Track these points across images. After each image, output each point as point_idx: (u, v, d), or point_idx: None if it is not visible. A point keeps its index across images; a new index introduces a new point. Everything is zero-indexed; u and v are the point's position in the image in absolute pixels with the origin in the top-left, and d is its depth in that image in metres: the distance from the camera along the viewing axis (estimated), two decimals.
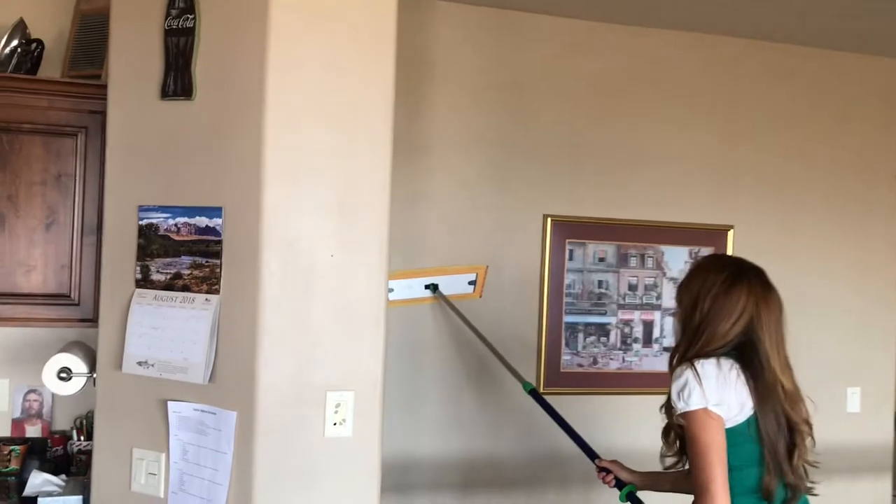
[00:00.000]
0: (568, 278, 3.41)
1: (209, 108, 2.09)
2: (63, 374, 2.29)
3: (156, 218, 2.14)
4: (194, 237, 2.09)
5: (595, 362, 3.45)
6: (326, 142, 2.07)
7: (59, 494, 2.36)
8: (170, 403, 2.09)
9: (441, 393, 3.27)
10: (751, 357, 1.95)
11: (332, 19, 2.07)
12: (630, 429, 3.47)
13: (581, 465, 3.32)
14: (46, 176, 2.57)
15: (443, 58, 3.28)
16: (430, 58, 3.27)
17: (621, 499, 2.36)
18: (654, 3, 3.23)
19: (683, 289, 2.07)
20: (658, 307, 3.51)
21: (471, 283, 3.31)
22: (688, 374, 1.92)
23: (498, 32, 3.35)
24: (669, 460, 2.13)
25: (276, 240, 2.02)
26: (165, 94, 2.14)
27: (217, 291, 2.06)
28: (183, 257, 2.11)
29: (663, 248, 3.52)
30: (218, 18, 2.08)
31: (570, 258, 3.41)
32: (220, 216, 2.06)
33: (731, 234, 3.58)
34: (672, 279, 3.52)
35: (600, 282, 3.46)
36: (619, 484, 2.38)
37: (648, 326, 3.50)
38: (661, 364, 3.50)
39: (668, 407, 2.02)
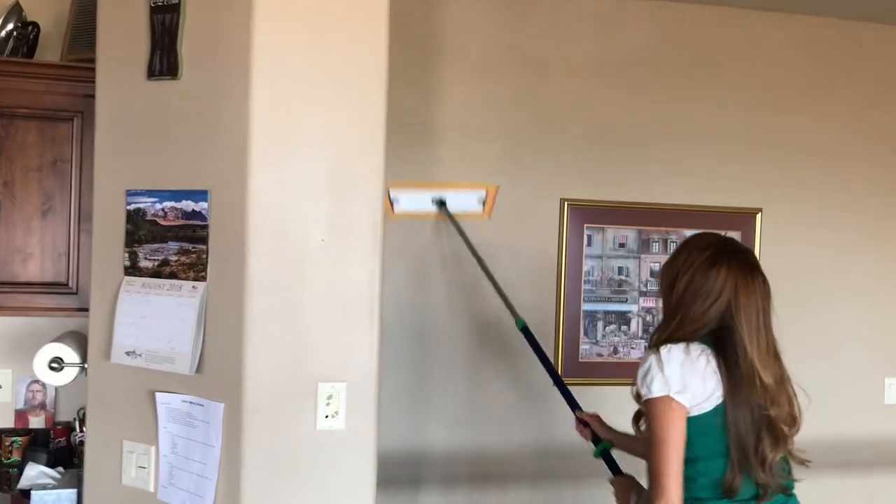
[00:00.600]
0: (587, 265, 3.28)
1: (195, 88, 2.00)
2: (54, 365, 2.24)
3: (143, 203, 2.07)
4: (181, 222, 2.01)
5: (615, 352, 3.32)
6: (317, 122, 1.97)
7: (54, 487, 2.31)
8: (158, 395, 2.02)
9: (451, 384, 3.17)
10: (724, 344, 1.85)
11: None
12: None
13: (597, 461, 3.23)
14: (42, 162, 2.51)
15: (456, 38, 3.16)
16: (442, 38, 3.15)
17: (595, 454, 2.34)
18: None
19: (666, 267, 2.00)
20: None
21: (480, 201, 3.16)
22: (651, 359, 1.85)
23: (514, 10, 3.22)
24: (640, 448, 2.09)
25: (263, 224, 1.93)
26: (152, 73, 2.05)
27: (204, 279, 1.98)
28: (170, 243, 2.03)
29: (687, 232, 3.36)
30: None
31: (589, 244, 3.28)
32: (206, 200, 1.97)
33: (759, 217, 3.41)
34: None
35: (620, 268, 3.32)
36: (596, 439, 2.36)
37: None
38: None
39: (637, 393, 1.93)
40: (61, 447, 2.70)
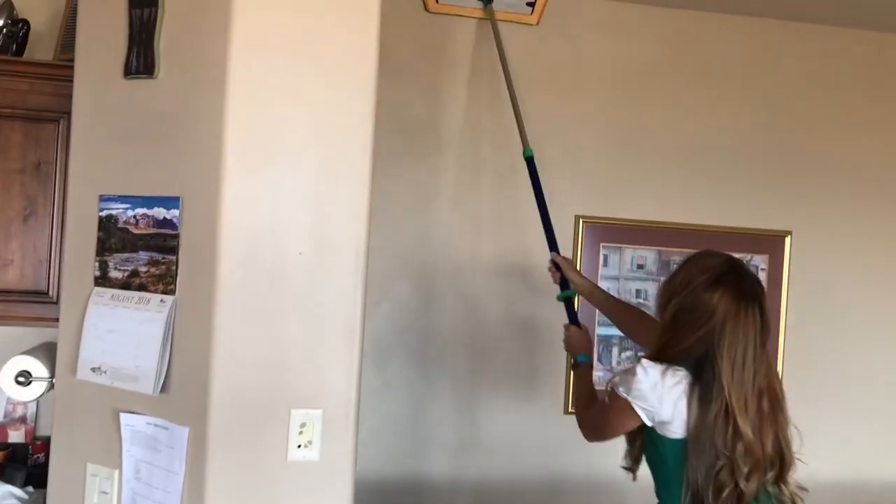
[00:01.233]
0: (602, 286, 3.07)
1: (171, 88, 1.87)
2: (21, 378, 2.11)
3: (116, 209, 1.94)
4: (152, 231, 1.88)
5: None
6: (297, 126, 1.82)
7: None
8: (122, 416, 1.88)
9: (454, 409, 2.99)
10: (703, 375, 1.75)
11: None
12: None
13: (614, 495, 3.04)
14: (25, 164, 2.40)
15: (467, 43, 3.00)
16: (452, 43, 3.00)
17: (558, 297, 2.40)
18: None
19: (664, 284, 1.91)
20: None
21: (529, 3, 2.90)
22: (636, 368, 1.80)
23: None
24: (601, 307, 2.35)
25: (236, 235, 1.79)
26: (129, 72, 1.93)
27: (173, 292, 1.84)
28: (140, 253, 1.89)
29: None
30: None
31: (605, 264, 3.09)
32: (177, 207, 1.84)
33: (788, 240, 3.19)
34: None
35: (639, 291, 3.12)
36: (564, 283, 2.41)
37: None
38: None
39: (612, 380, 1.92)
40: (39, 463, 2.57)
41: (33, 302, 2.38)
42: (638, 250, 3.12)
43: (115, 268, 1.93)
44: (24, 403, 2.65)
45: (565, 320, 2.46)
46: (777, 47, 3.21)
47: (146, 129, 1.90)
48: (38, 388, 2.13)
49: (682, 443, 1.77)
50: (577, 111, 3.08)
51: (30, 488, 2.32)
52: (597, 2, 3.07)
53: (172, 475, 1.80)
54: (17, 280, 2.38)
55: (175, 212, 1.84)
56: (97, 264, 1.96)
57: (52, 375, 2.14)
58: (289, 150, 1.82)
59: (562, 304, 2.49)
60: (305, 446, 1.81)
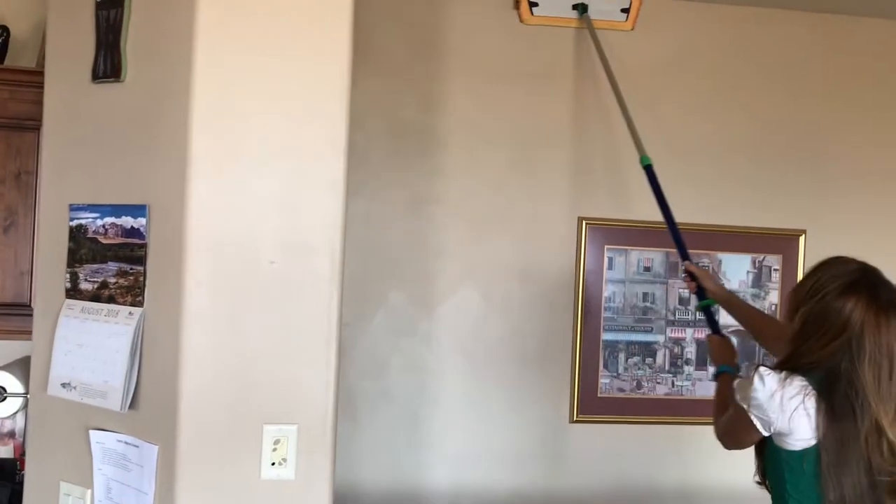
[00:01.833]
0: (607, 290, 2.98)
1: (138, 91, 1.80)
2: None
3: (85, 218, 1.87)
4: (120, 240, 1.80)
5: (639, 387, 3.00)
6: (268, 128, 1.74)
7: None
8: (92, 433, 1.81)
9: (455, 419, 2.89)
10: (836, 390, 1.65)
11: None
12: (680, 463, 3.00)
13: None
14: (5, 173, 2.36)
15: (461, 41, 2.91)
16: (446, 41, 2.91)
17: (696, 308, 2.39)
18: None
19: (792, 291, 1.82)
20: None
21: (623, 10, 2.90)
22: (753, 377, 1.71)
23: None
24: (738, 315, 2.27)
25: (204, 243, 1.70)
26: (96, 75, 1.86)
27: (141, 304, 1.76)
28: (110, 263, 1.82)
29: (721, 255, 3.04)
30: None
31: (610, 267, 2.98)
32: (144, 216, 1.76)
33: (802, 239, 3.06)
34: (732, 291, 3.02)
35: (646, 294, 3.00)
36: (701, 294, 2.33)
37: (703, 346, 3.02)
38: None
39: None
40: None
41: (14, 314, 2.33)
42: (644, 252, 3.00)
43: (86, 279, 1.86)
44: (13, 419, 2.59)
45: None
46: (790, 41, 3.07)
47: (114, 135, 1.83)
48: (13, 405, 2.07)
49: (802, 455, 1.69)
50: (580, 108, 2.97)
51: None
52: None
53: (142, 495, 1.73)
54: None
55: (142, 220, 1.76)
56: (68, 276, 1.89)
57: (27, 391, 2.08)
58: (259, 155, 1.73)
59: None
60: (280, 464, 1.72)
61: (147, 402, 1.75)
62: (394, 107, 2.87)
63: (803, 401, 1.66)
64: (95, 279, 1.84)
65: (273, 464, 1.72)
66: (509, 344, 2.93)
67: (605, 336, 2.97)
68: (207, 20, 1.70)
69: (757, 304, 3.04)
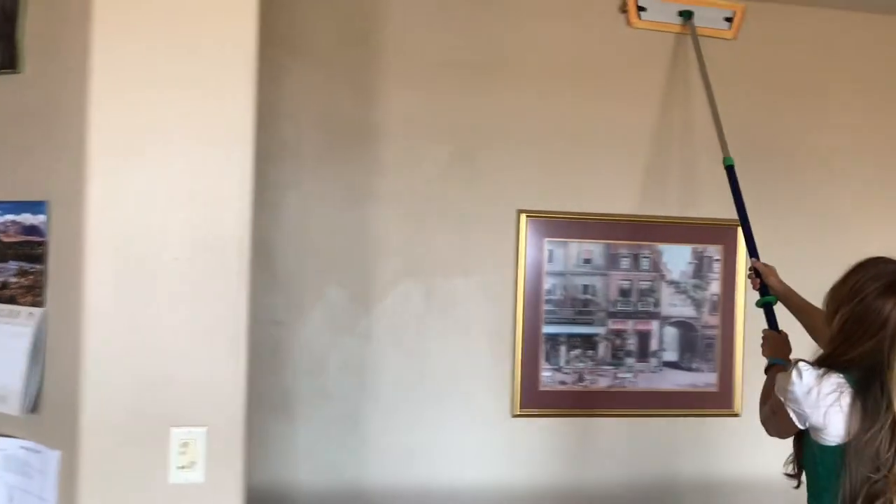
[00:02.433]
0: (548, 283, 2.95)
1: (36, 82, 1.74)
2: None
3: None
4: (21, 238, 1.74)
5: (580, 379, 2.97)
6: (171, 120, 1.68)
7: None
8: None
9: (397, 414, 2.85)
10: (870, 386, 1.69)
11: None
12: (623, 455, 2.99)
13: (563, 501, 2.90)
14: None
15: (398, 32, 2.86)
16: (382, 32, 2.85)
17: (757, 304, 2.37)
18: None
19: (832, 291, 1.85)
20: (656, 315, 3.01)
21: (727, 19, 3.00)
22: (792, 371, 1.76)
23: (466, 2, 2.92)
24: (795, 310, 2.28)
25: (105, 240, 1.64)
26: None
27: (42, 304, 1.70)
28: (10, 262, 1.75)
29: (661, 246, 3.02)
30: None
31: (550, 259, 2.95)
32: (44, 212, 1.69)
33: (741, 229, 3.04)
34: (672, 282, 3.02)
35: (586, 286, 2.98)
36: (764, 290, 2.36)
37: (644, 338, 3.00)
38: (659, 381, 3.01)
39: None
40: None
41: None
42: (584, 244, 2.97)
43: None
44: None
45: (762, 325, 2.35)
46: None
47: (12, 129, 1.77)
48: None
49: (836, 450, 1.72)
50: (520, 100, 2.93)
51: None
52: None
53: (44, 503, 1.66)
54: None
55: (42, 217, 1.70)
56: None
57: None
58: (161, 147, 1.67)
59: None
60: (188, 467, 1.67)
61: (48, 406, 1.68)
62: (329, 99, 2.81)
63: (839, 398, 1.69)
64: None
65: (181, 467, 1.66)
66: (451, 339, 2.89)
67: (547, 329, 2.95)
68: (104, 8, 1.64)
69: (698, 295, 3.04)
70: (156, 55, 1.66)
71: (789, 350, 2.18)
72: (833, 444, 1.72)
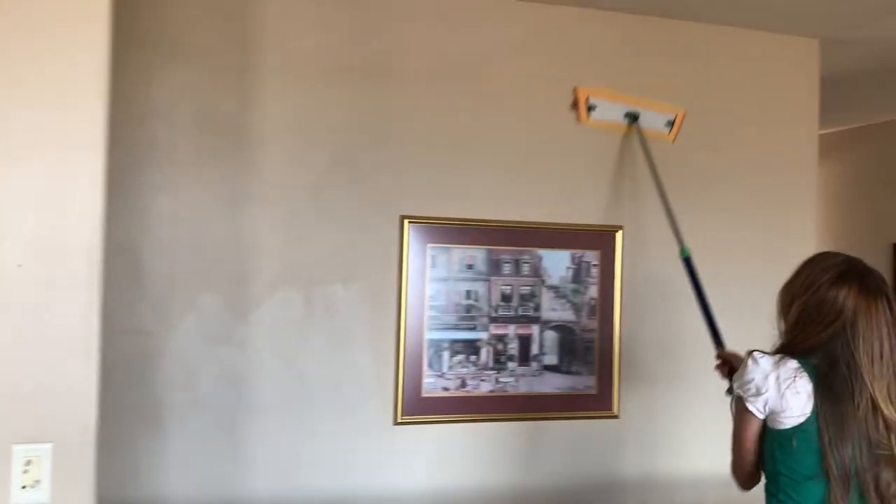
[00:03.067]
0: (431, 289, 2.95)
1: None
2: None
3: None
4: None
5: (463, 385, 2.98)
6: (14, 120, 1.58)
7: None
8: None
9: (276, 425, 2.78)
10: (835, 373, 1.79)
11: None
12: (506, 460, 3.01)
13: None
14: None
15: (277, 32, 2.81)
16: (261, 31, 2.79)
17: (726, 393, 2.32)
18: None
19: (784, 288, 1.95)
20: (537, 320, 3.06)
21: (668, 123, 3.16)
22: (748, 361, 1.87)
23: (348, 3, 2.89)
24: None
25: None
26: None
27: None
28: None
29: (542, 252, 3.07)
30: None
31: (433, 265, 2.95)
32: None
33: (619, 235, 3.13)
34: (552, 287, 3.07)
35: (469, 292, 2.99)
36: (732, 375, 2.35)
37: (525, 342, 3.04)
38: (540, 385, 3.05)
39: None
40: None
41: None
42: (467, 250, 2.99)
43: None
44: None
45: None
46: (617, 36, 3.15)
47: None
48: None
49: (790, 433, 1.81)
50: (401, 103, 2.93)
51: None
52: None
53: None
54: None
55: None
56: None
57: None
58: (5, 150, 1.58)
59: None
60: (32, 487, 1.57)
61: None
62: (206, 101, 2.73)
63: (795, 380, 1.79)
64: None
65: (24, 487, 1.57)
66: (332, 347, 2.85)
67: (429, 335, 2.94)
68: None
69: (577, 299, 3.10)
70: (2, 60, 1.56)
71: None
72: (790, 426, 1.81)
